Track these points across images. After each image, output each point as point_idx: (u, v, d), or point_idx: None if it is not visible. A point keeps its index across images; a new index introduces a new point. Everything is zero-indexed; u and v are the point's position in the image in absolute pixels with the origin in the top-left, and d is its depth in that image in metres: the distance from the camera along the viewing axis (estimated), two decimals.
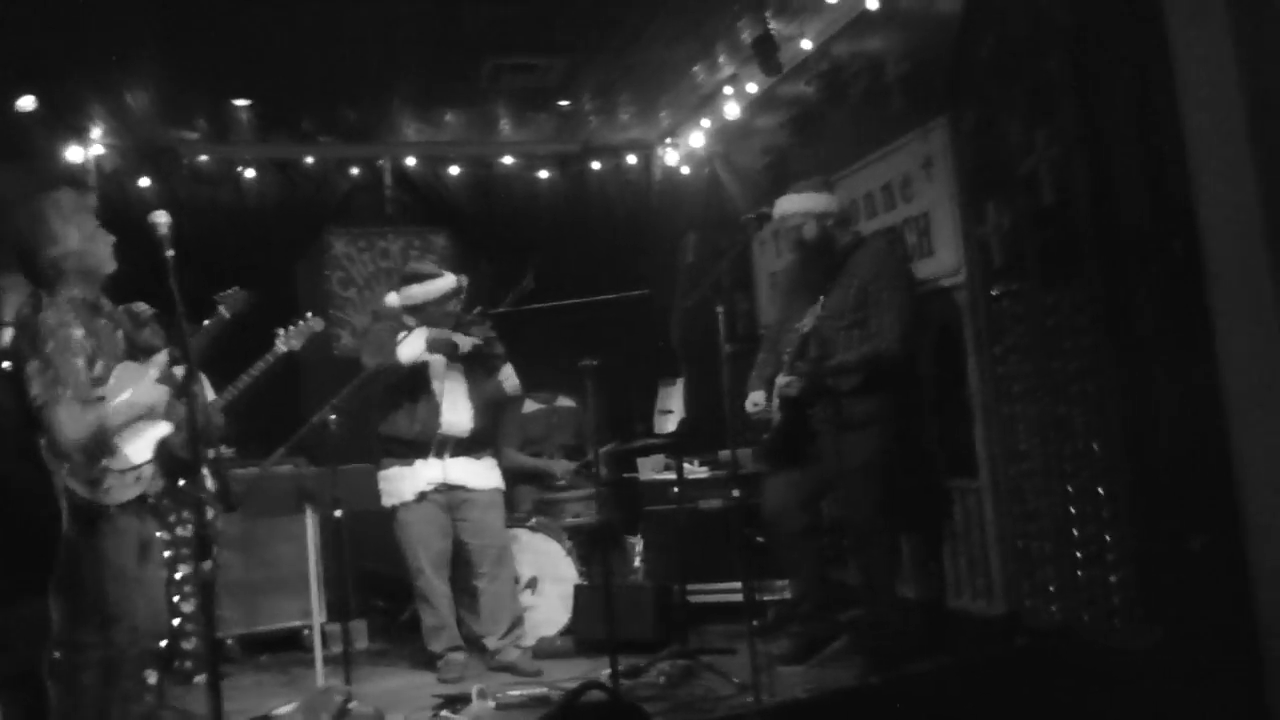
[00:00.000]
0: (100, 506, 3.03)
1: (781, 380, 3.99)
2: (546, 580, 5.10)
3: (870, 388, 3.96)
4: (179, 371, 3.71)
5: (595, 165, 6.77)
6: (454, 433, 4.50)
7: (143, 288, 3.27)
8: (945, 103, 4.21)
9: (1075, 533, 3.68)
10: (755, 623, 4.89)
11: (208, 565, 2.57)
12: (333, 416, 4.21)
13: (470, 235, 6.58)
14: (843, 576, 4.99)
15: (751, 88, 5.61)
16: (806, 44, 4.99)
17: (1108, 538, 3.54)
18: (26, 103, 4.56)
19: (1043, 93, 3.68)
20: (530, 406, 5.72)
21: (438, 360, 4.53)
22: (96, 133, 5.68)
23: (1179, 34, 3.03)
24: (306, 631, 5.42)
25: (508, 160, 6.65)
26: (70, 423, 2.97)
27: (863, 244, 4.07)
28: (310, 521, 4.37)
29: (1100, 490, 3.54)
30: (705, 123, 6.17)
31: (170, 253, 2.89)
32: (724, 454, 5.36)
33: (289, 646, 5.40)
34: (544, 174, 6.72)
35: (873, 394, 3.98)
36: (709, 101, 6.06)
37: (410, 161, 6.48)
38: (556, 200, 6.75)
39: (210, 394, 4.01)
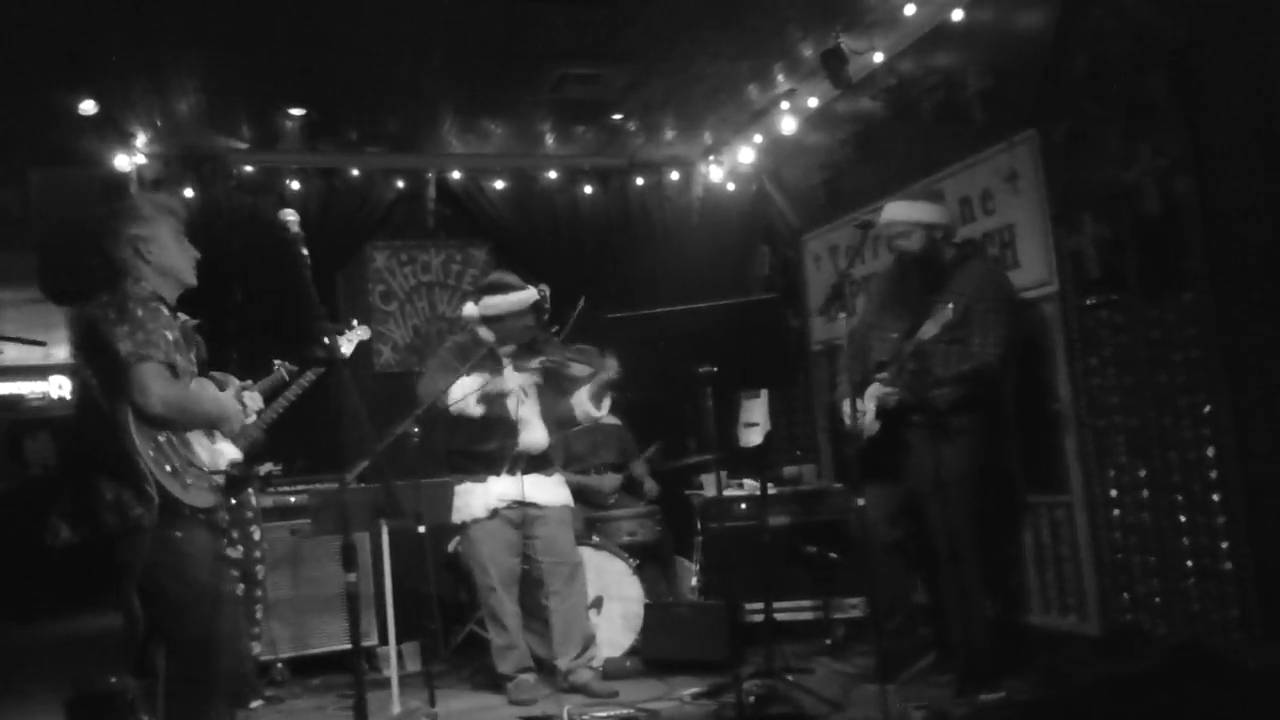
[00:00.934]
0: (184, 505, 2.84)
1: (879, 390, 3.94)
2: (611, 599, 5.00)
3: (968, 401, 3.94)
4: (249, 399, 3.63)
5: (639, 181, 6.74)
6: (529, 449, 4.42)
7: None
8: (1033, 116, 4.22)
9: (1186, 544, 3.66)
10: (828, 641, 4.92)
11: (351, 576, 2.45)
12: (415, 430, 4.12)
13: (511, 249, 6.51)
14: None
15: (812, 102, 5.61)
16: (878, 57, 5.00)
17: (1224, 546, 3.52)
18: (88, 106, 4.44)
19: (1146, 107, 3.70)
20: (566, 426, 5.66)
21: (511, 374, 4.45)
22: (141, 140, 5.56)
23: None
24: None
25: (551, 174, 6.60)
26: (160, 381, 2.77)
27: (967, 260, 4.04)
28: (384, 538, 4.27)
29: (1215, 499, 3.53)
30: (757, 138, 6.16)
31: (305, 251, 2.80)
32: (789, 470, 5.35)
33: (339, 669, 5.25)
34: (587, 189, 6.68)
35: (970, 408, 3.95)
36: (760, 117, 6.07)
37: (454, 174, 6.40)
38: (597, 215, 6.70)
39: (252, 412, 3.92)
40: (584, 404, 4.56)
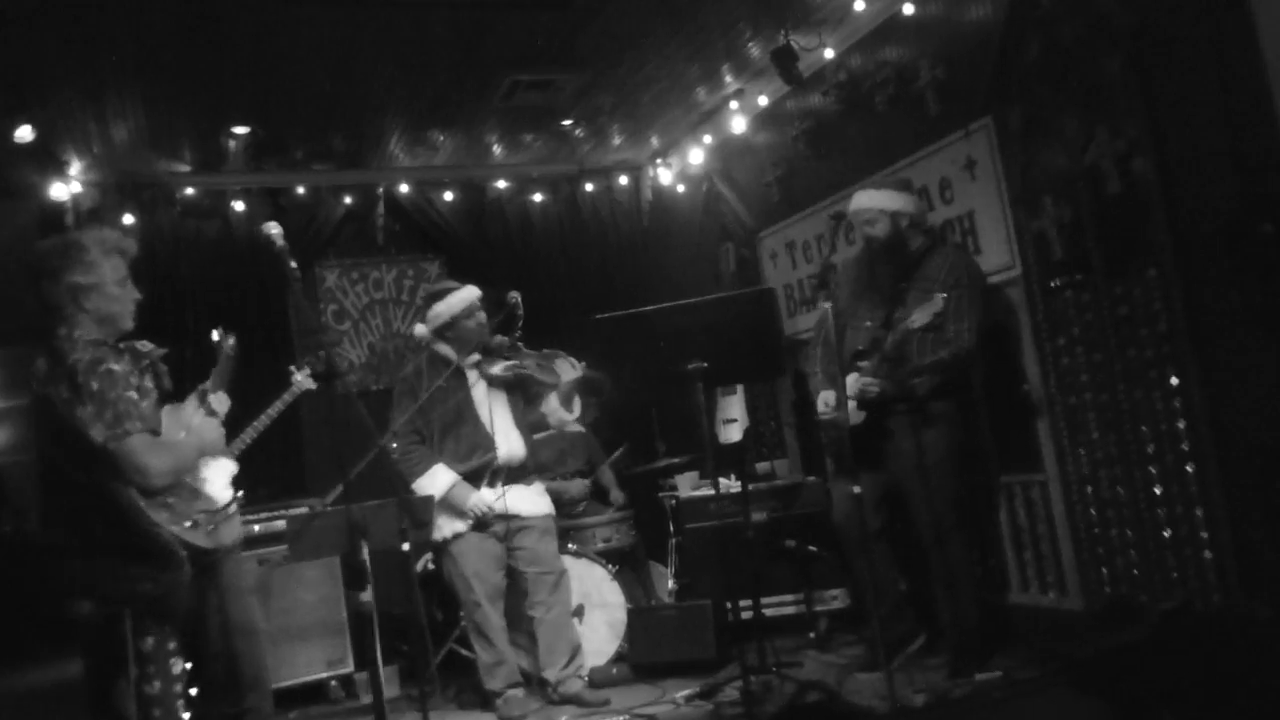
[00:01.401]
0: (212, 551, 2.82)
1: (860, 381, 3.98)
2: (593, 607, 4.97)
3: (946, 386, 4.00)
4: (215, 403, 3.53)
5: (589, 186, 6.74)
6: (508, 461, 4.37)
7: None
8: (988, 104, 4.30)
9: (1162, 515, 3.76)
10: (813, 634, 4.95)
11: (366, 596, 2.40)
12: (394, 445, 4.05)
13: (464, 261, 6.45)
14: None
15: (762, 100, 5.66)
16: (829, 53, 5.05)
17: (1199, 514, 3.62)
18: (24, 133, 4.27)
19: (1101, 90, 3.79)
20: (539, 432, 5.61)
21: (480, 387, 4.40)
22: (76, 168, 5.37)
23: (1266, 17, 3.16)
24: (334, 682, 5.17)
25: (501, 184, 6.55)
26: (150, 454, 2.74)
27: (936, 248, 4.11)
28: (365, 559, 4.18)
29: (1189, 469, 3.63)
30: (707, 139, 6.19)
31: (294, 264, 2.73)
32: (762, 465, 5.37)
33: (314, 699, 5.13)
34: (538, 196, 6.65)
35: (947, 393, 4.02)
36: (709, 118, 6.10)
37: (403, 188, 6.32)
38: (549, 223, 6.68)
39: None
40: (555, 409, 4.55)
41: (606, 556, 5.20)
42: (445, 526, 4.36)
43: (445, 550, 4.42)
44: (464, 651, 4.94)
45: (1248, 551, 3.49)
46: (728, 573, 4.96)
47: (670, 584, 5.48)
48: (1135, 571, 3.91)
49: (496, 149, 6.31)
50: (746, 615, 4.93)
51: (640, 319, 3.42)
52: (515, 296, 4.28)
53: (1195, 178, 3.53)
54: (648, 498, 5.77)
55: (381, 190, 6.25)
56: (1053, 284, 4.13)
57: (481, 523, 4.33)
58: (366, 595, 2.49)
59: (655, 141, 6.58)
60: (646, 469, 5.59)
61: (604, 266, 6.64)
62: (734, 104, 5.82)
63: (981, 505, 4.53)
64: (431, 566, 4.99)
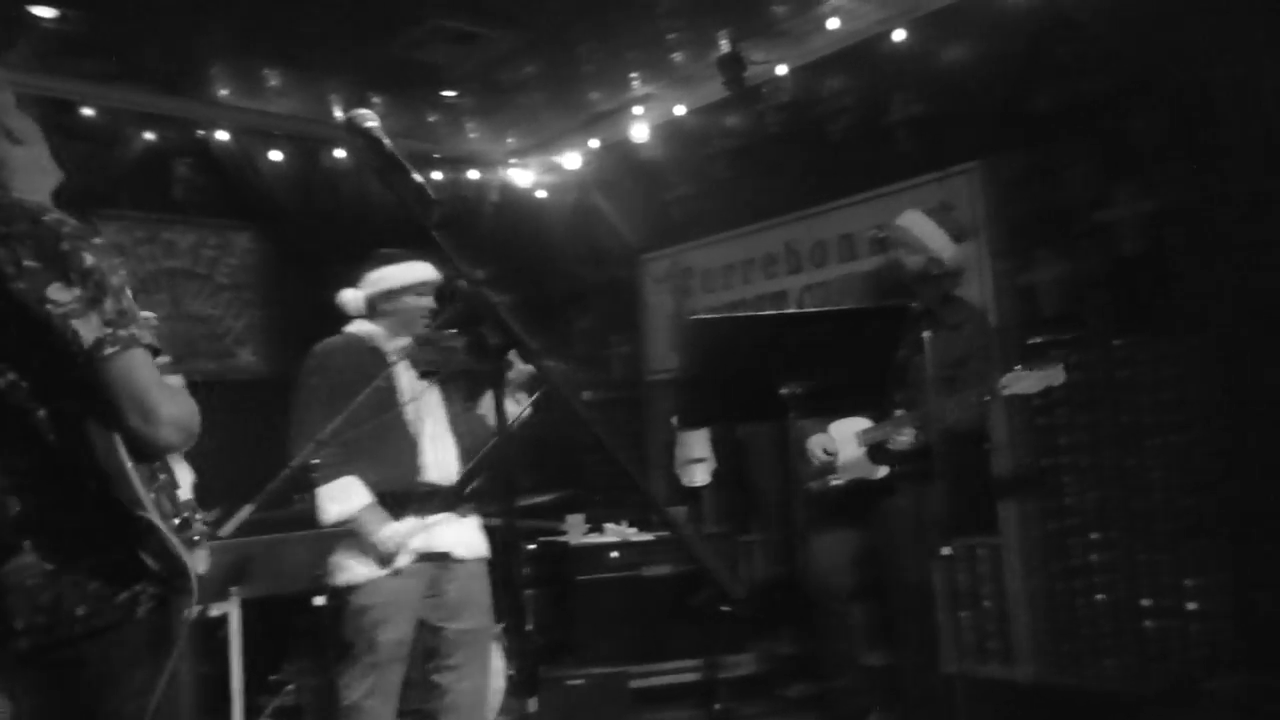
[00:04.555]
0: (190, 577, 1.77)
1: (894, 431, 3.57)
2: None
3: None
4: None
5: (437, 175, 5.87)
6: (441, 481, 3.43)
7: None
8: (980, 148, 4.17)
9: (1144, 584, 3.71)
10: (716, 706, 4.43)
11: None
12: (316, 461, 3.03)
13: (283, 238, 5.31)
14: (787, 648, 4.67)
15: (678, 110, 5.18)
16: (781, 69, 4.72)
17: (1188, 585, 3.60)
18: None
19: (1124, 146, 3.76)
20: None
21: (410, 384, 3.47)
22: None
23: None
24: None
25: (341, 153, 5.50)
26: (162, 386, 1.71)
27: (957, 303, 3.82)
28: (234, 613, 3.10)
29: (1191, 542, 3.61)
30: (593, 143, 5.59)
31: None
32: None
33: None
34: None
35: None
36: (600, 121, 5.52)
37: (220, 134, 5.09)
38: (387, 209, 5.65)
39: None
40: (508, 405, 3.64)
41: None
42: (352, 567, 3.33)
43: (343, 600, 3.37)
44: None
45: (1254, 631, 3.49)
46: (622, 633, 4.34)
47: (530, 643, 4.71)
48: (1107, 642, 3.83)
49: (338, 109, 5.28)
50: (640, 682, 4.34)
51: (744, 325, 2.78)
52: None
53: (1221, 246, 3.55)
54: (502, 541, 4.95)
55: (203, 133, 4.98)
56: (1031, 341, 4.02)
57: (389, 564, 3.35)
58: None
59: (520, 138, 5.88)
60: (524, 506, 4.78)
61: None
62: (637, 109, 5.30)
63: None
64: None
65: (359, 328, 3.44)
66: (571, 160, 5.72)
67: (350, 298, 3.51)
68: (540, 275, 6.03)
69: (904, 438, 3.51)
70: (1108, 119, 3.80)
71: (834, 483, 3.68)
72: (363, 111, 1.72)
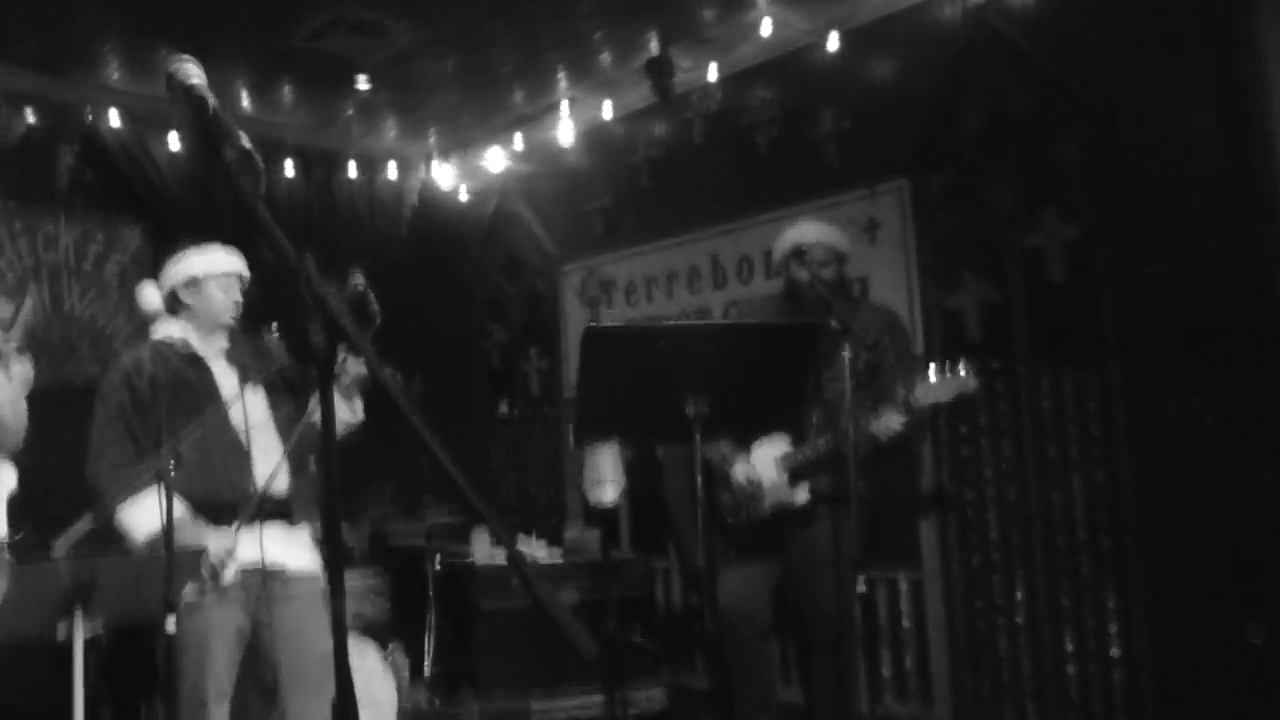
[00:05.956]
0: None
1: (807, 455, 3.39)
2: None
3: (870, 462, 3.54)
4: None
5: (352, 173, 5.60)
6: (273, 491, 3.12)
7: None
8: (908, 167, 4.03)
9: (1067, 628, 3.57)
10: None
11: None
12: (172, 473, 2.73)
13: (176, 234, 4.95)
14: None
15: (606, 113, 4.98)
16: (712, 76, 4.54)
17: (1113, 630, 3.47)
18: None
19: (1054, 171, 3.65)
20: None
21: (229, 383, 3.17)
22: None
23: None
24: None
25: (244, 144, 5.17)
26: None
27: (866, 309, 3.66)
28: (78, 638, 2.78)
29: (1109, 580, 3.48)
30: (517, 145, 5.37)
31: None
32: (571, 535, 4.58)
33: None
34: (289, 171, 5.36)
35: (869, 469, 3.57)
36: (525, 123, 5.30)
37: (112, 120, 4.76)
38: (296, 208, 5.41)
39: None
40: (339, 410, 3.37)
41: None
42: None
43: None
44: None
45: (1167, 674, 3.36)
46: (525, 662, 4.10)
47: (426, 670, 4.44)
48: (1025, 685, 3.68)
49: (245, 97, 4.99)
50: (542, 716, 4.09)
51: (646, 337, 2.55)
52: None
53: (1145, 273, 3.44)
54: (407, 559, 4.68)
55: (90, 117, 4.66)
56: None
57: (215, 579, 3.02)
58: None
59: (442, 137, 5.65)
60: (428, 527, 4.53)
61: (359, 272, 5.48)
62: (564, 111, 5.09)
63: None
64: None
65: (166, 331, 3.16)
66: (495, 161, 5.48)
67: (149, 295, 3.23)
68: (457, 283, 5.80)
69: (893, 422, 3.26)
70: (1035, 139, 3.69)
71: (757, 514, 3.50)
72: (185, 62, 1.48)
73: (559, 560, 4.46)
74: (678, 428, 2.53)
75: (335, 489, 1.48)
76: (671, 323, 4.05)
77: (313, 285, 1.43)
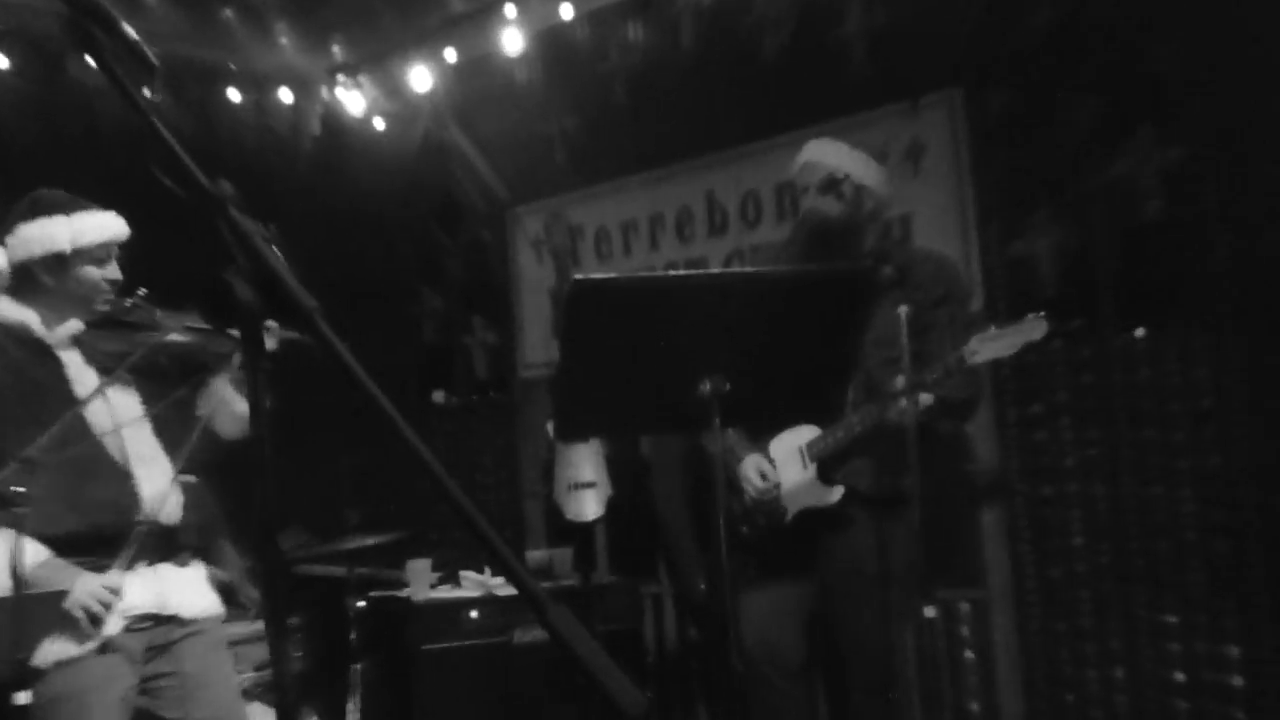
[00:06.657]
0: None
1: (840, 439, 3.30)
2: None
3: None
4: None
5: (234, 95, 5.44)
6: (160, 518, 3.01)
7: None
8: (959, 75, 3.98)
9: (1176, 651, 3.56)
10: None
11: None
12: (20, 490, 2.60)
13: (12, 173, 4.80)
14: None
15: (565, 12, 4.84)
16: None
17: (1235, 654, 3.45)
18: None
19: (1148, 82, 3.60)
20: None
21: (87, 378, 3.05)
22: None
23: None
24: None
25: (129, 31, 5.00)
26: None
27: (900, 248, 3.57)
28: None
29: (1227, 599, 3.46)
30: (449, 56, 5.22)
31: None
32: (534, 556, 4.50)
33: None
34: (148, 92, 5.14)
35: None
36: (458, 26, 5.16)
37: None
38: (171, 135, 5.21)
39: None
40: (231, 401, 3.26)
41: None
42: (45, 648, 2.89)
43: (38, 689, 2.93)
44: None
45: None
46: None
47: None
48: None
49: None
50: None
51: (653, 291, 2.39)
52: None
53: (1271, 210, 3.39)
54: (322, 594, 4.57)
55: None
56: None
57: (94, 630, 2.93)
58: None
59: (340, 47, 5.48)
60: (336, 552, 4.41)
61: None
62: (510, 10, 4.94)
63: None
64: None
65: (4, 312, 3.02)
66: (420, 79, 5.33)
67: None
68: (375, 237, 5.67)
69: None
70: (1123, 40, 3.62)
71: (777, 523, 3.42)
72: None
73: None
74: (692, 413, 2.41)
75: (272, 499, 1.35)
76: (678, 273, 3.91)
77: (235, 221, 1.32)
